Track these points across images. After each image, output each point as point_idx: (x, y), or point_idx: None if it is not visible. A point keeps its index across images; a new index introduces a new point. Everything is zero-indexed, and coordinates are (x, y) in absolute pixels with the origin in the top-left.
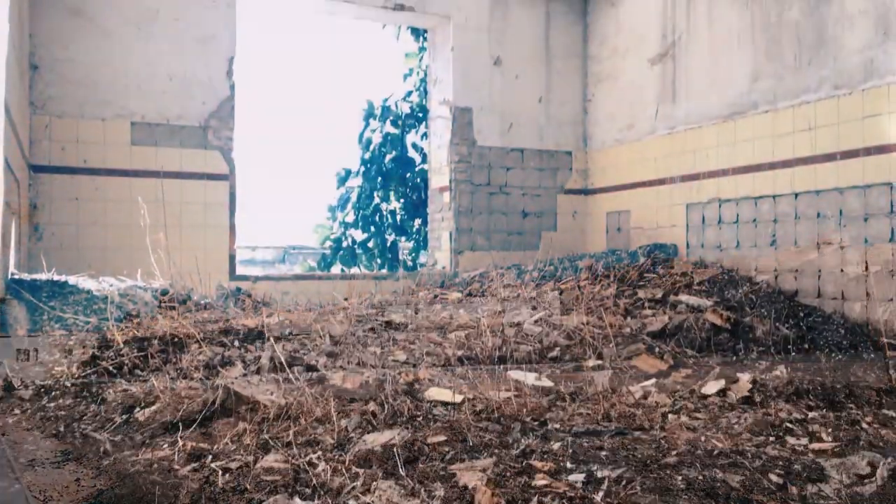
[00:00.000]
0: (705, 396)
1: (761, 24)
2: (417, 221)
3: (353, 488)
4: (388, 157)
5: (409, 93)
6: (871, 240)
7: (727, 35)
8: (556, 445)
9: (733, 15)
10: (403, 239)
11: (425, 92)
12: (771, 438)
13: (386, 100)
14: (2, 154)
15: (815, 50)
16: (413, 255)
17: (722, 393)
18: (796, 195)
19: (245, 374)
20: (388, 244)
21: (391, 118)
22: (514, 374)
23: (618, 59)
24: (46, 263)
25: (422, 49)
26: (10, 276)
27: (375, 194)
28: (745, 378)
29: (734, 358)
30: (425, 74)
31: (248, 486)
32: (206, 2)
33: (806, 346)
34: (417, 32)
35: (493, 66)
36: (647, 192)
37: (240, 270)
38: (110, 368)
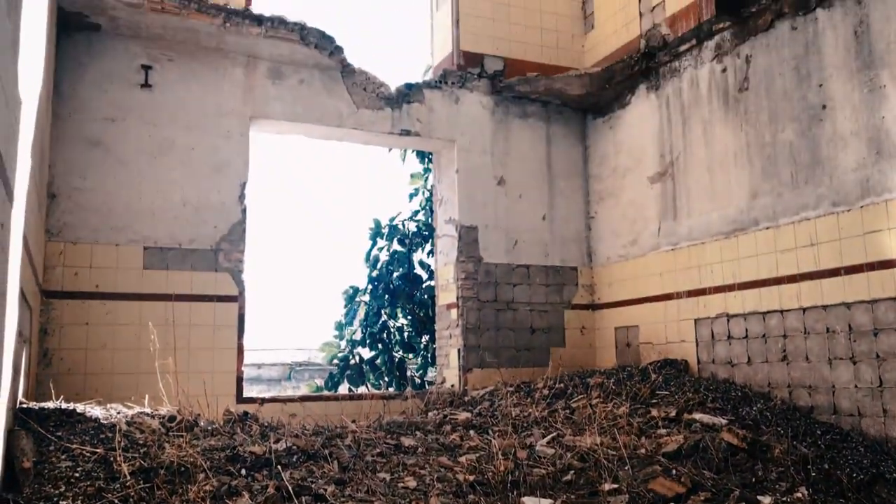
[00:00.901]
0: None
1: (756, 144)
2: (425, 338)
3: None
4: (396, 274)
5: (416, 212)
6: (883, 355)
7: (724, 154)
8: None
9: (728, 135)
10: (411, 356)
11: (431, 211)
12: None
13: (393, 219)
14: (17, 285)
15: (811, 169)
16: (421, 372)
17: None
18: (804, 310)
19: None
20: (396, 362)
21: (398, 237)
22: (529, 502)
23: (618, 177)
24: (55, 389)
25: (427, 169)
26: (18, 406)
27: (383, 311)
28: (766, 502)
29: (753, 479)
30: (431, 193)
31: None
32: (221, 132)
33: (826, 465)
34: (423, 154)
35: (497, 185)
36: (654, 307)
37: (246, 389)
38: (116, 502)
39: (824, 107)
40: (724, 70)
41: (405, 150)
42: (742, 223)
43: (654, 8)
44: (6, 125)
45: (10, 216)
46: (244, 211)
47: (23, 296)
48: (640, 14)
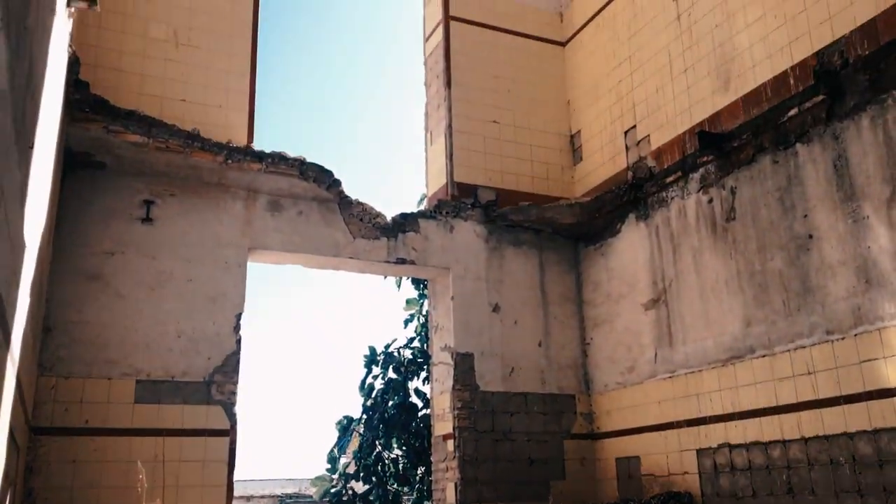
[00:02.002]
0: None
1: (747, 272)
2: (421, 470)
3: None
4: (391, 403)
5: (411, 339)
6: (890, 487)
7: (716, 282)
8: None
9: (719, 263)
10: (406, 489)
11: (427, 337)
12: None
13: (388, 346)
14: (7, 427)
15: (803, 297)
16: None
17: None
18: (806, 440)
19: None
20: (391, 497)
21: (393, 364)
22: None
23: (612, 303)
24: None
25: (422, 295)
26: None
27: (377, 442)
28: None
29: None
30: (426, 319)
31: None
32: (219, 264)
33: None
34: (418, 280)
35: (492, 312)
36: (654, 437)
37: None
38: None
39: (811, 236)
40: (711, 201)
41: (400, 277)
42: (738, 351)
43: (639, 142)
44: (10, 269)
45: (6, 360)
46: (238, 341)
47: (12, 436)
48: (627, 147)
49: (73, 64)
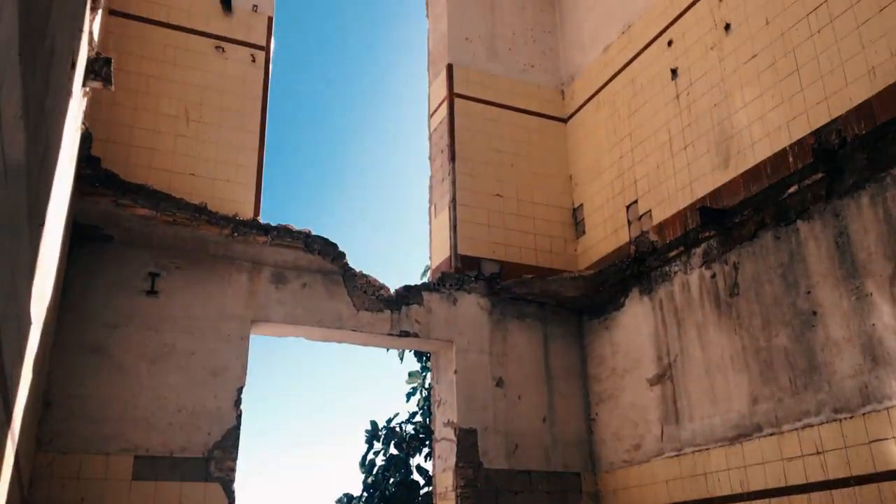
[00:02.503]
0: None
1: (752, 349)
2: None
3: None
4: (392, 480)
5: (413, 413)
6: None
7: (721, 358)
8: None
9: (724, 339)
10: None
11: (429, 411)
12: None
13: (390, 420)
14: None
15: (809, 375)
16: None
17: None
18: None
19: None
20: None
21: (395, 440)
22: None
23: (617, 378)
24: None
25: (425, 368)
26: None
27: None
28: None
29: None
30: (429, 393)
31: None
32: (221, 337)
33: None
34: (421, 353)
35: (496, 387)
36: None
37: None
38: None
39: (815, 313)
40: (714, 276)
41: (403, 350)
42: (745, 429)
43: (641, 217)
44: (16, 348)
45: (7, 438)
46: (239, 416)
47: None
48: (629, 221)
49: (86, 140)
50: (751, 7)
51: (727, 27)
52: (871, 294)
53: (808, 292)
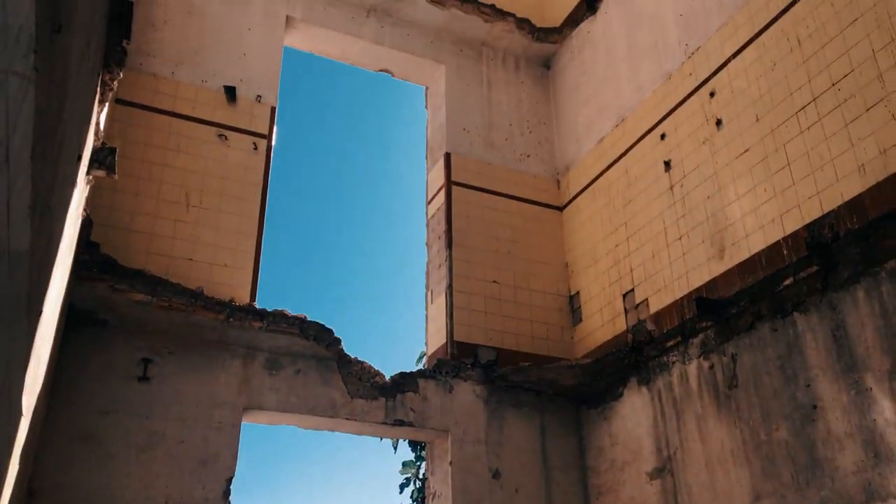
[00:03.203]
0: None
1: (753, 442)
2: None
3: None
4: None
5: None
6: None
7: (721, 451)
8: None
9: (724, 432)
10: None
11: (423, 502)
12: None
13: None
14: None
15: (811, 470)
16: None
17: None
18: None
19: None
20: None
21: None
22: None
23: (616, 471)
24: None
25: (419, 458)
26: None
27: None
28: None
29: None
30: (423, 484)
31: None
32: (212, 424)
33: None
34: (415, 442)
35: (493, 479)
36: None
37: None
38: None
39: (815, 407)
40: (712, 367)
41: (398, 439)
42: None
43: (638, 305)
44: (6, 439)
45: None
46: None
47: None
48: (626, 310)
49: (86, 226)
50: (741, 104)
51: (718, 123)
52: (871, 388)
53: (808, 385)
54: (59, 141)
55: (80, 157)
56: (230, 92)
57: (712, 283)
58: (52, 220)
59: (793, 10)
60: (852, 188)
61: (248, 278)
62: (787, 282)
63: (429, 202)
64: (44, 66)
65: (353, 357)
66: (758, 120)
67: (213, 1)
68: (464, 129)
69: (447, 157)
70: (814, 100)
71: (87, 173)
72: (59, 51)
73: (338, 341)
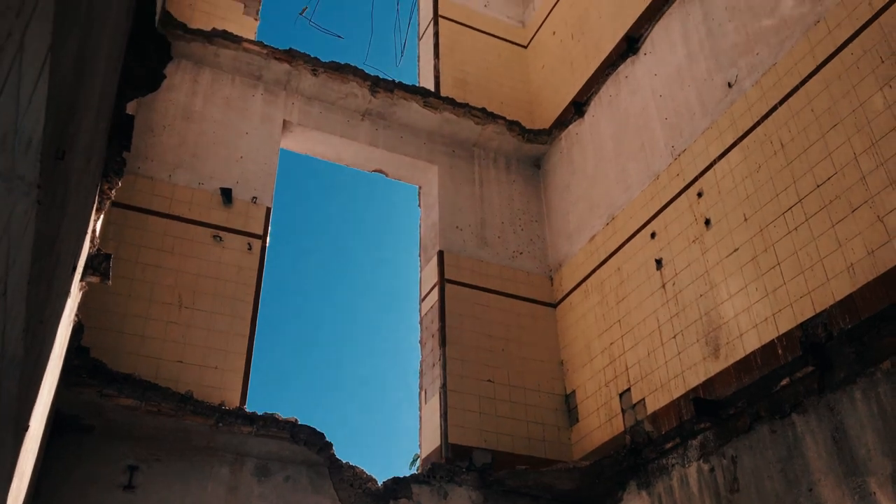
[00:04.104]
0: None
1: None
2: None
3: None
4: None
5: None
6: None
7: None
8: None
9: None
10: None
11: None
12: None
13: None
14: None
15: None
16: None
17: None
18: None
19: None
20: None
21: None
22: None
23: None
24: None
25: None
26: None
27: None
28: None
29: None
30: None
31: None
32: None
33: None
34: None
35: None
36: None
37: None
38: None
39: None
40: (712, 470)
41: None
42: None
43: (635, 405)
44: None
45: None
46: None
47: None
48: (623, 410)
49: (77, 332)
50: (729, 204)
51: (707, 222)
52: (875, 493)
53: (811, 489)
54: (55, 258)
55: (75, 269)
56: (226, 194)
57: (709, 383)
58: (44, 333)
59: (774, 115)
60: (843, 288)
61: (238, 380)
62: (784, 382)
63: (422, 300)
64: (46, 197)
65: (344, 462)
66: (746, 220)
67: (213, 107)
68: (457, 227)
69: (440, 254)
70: (800, 201)
71: (81, 279)
72: (61, 176)
73: (329, 446)
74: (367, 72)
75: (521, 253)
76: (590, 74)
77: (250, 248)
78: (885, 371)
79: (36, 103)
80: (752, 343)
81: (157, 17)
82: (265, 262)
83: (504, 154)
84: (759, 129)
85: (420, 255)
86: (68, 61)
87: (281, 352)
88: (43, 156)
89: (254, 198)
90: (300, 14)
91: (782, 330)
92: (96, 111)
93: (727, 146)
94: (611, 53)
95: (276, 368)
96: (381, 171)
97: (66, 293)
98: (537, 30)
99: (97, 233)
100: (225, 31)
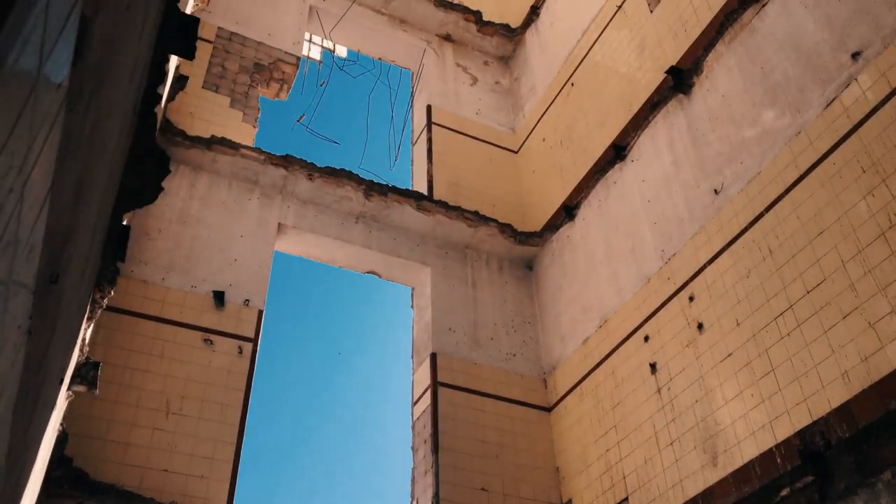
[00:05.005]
0: None
1: None
2: None
3: None
4: None
5: None
6: None
7: None
8: None
9: None
10: None
11: None
12: None
13: None
14: None
15: None
16: None
17: None
18: None
19: None
20: None
21: None
22: None
23: None
24: None
25: None
26: None
27: None
28: None
29: None
30: None
31: None
32: None
33: None
34: None
35: None
36: None
37: None
38: None
39: None
40: None
41: None
42: None
43: None
44: None
45: None
46: None
47: None
48: None
49: (61, 442)
50: (720, 309)
51: (700, 326)
52: None
53: None
54: (42, 375)
55: (62, 381)
56: (219, 297)
57: (708, 493)
58: (27, 451)
59: (761, 221)
60: (839, 395)
61: (224, 489)
62: (785, 492)
63: (414, 403)
64: (37, 323)
65: None
66: (738, 325)
67: (209, 210)
68: (450, 329)
69: (433, 357)
70: (791, 307)
71: (68, 388)
72: (53, 298)
73: None
74: (361, 176)
75: (514, 355)
76: (579, 179)
77: (241, 352)
78: (885, 482)
79: (33, 241)
80: (750, 451)
81: (157, 127)
82: (255, 366)
83: (496, 256)
84: (746, 234)
85: (412, 358)
86: (67, 194)
87: (270, 456)
88: (37, 289)
89: (246, 300)
90: (297, 121)
91: (780, 438)
92: (93, 227)
93: (716, 251)
94: (599, 160)
95: (265, 473)
96: (374, 273)
97: (52, 406)
98: (527, 136)
99: (86, 340)
100: (224, 138)
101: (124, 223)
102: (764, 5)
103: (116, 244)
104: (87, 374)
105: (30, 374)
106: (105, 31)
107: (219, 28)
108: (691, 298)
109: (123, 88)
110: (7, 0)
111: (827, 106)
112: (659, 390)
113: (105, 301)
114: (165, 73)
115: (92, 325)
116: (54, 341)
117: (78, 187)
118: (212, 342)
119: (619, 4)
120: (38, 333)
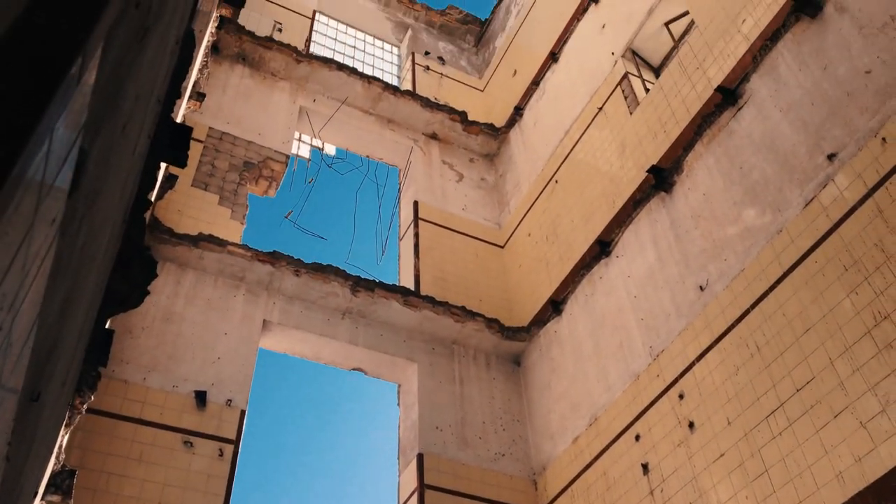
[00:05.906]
0: None
1: None
2: None
3: None
4: None
5: None
6: None
7: None
8: None
9: None
10: None
11: None
12: None
13: None
14: None
15: None
16: None
17: None
18: None
19: None
20: None
21: None
22: None
23: None
24: None
25: None
26: None
27: None
28: None
29: None
30: None
31: None
32: None
33: None
34: None
35: None
36: None
37: None
38: None
39: None
40: None
41: None
42: None
43: None
44: None
45: None
46: None
47: None
48: None
49: None
50: (711, 407)
51: (691, 425)
52: None
53: None
54: (17, 492)
55: (36, 494)
56: (200, 397)
57: None
58: None
59: (747, 318)
60: (834, 497)
61: None
62: None
63: None
64: (13, 449)
65: None
66: (730, 423)
67: (194, 308)
68: (437, 428)
69: (420, 457)
70: (781, 405)
71: (42, 498)
72: (33, 415)
73: None
74: (348, 272)
75: (503, 455)
76: (565, 275)
77: (221, 455)
78: None
79: (17, 369)
80: None
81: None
82: (236, 468)
83: (484, 351)
84: (734, 331)
85: (399, 458)
86: (54, 311)
87: None
88: (17, 413)
89: (228, 400)
90: (286, 217)
91: None
92: (77, 335)
93: (704, 348)
94: (584, 255)
95: None
96: (359, 370)
97: None
98: (513, 231)
99: (63, 447)
100: (211, 235)
101: (107, 327)
102: (740, 108)
103: (99, 349)
104: (61, 483)
105: (4, 494)
106: (100, 155)
107: (210, 128)
108: (681, 396)
109: (115, 201)
110: (9, 155)
111: (806, 205)
112: (652, 492)
113: (84, 406)
114: (156, 180)
115: (69, 433)
116: (31, 457)
117: (65, 302)
118: (192, 444)
119: (599, 106)
120: (14, 456)
